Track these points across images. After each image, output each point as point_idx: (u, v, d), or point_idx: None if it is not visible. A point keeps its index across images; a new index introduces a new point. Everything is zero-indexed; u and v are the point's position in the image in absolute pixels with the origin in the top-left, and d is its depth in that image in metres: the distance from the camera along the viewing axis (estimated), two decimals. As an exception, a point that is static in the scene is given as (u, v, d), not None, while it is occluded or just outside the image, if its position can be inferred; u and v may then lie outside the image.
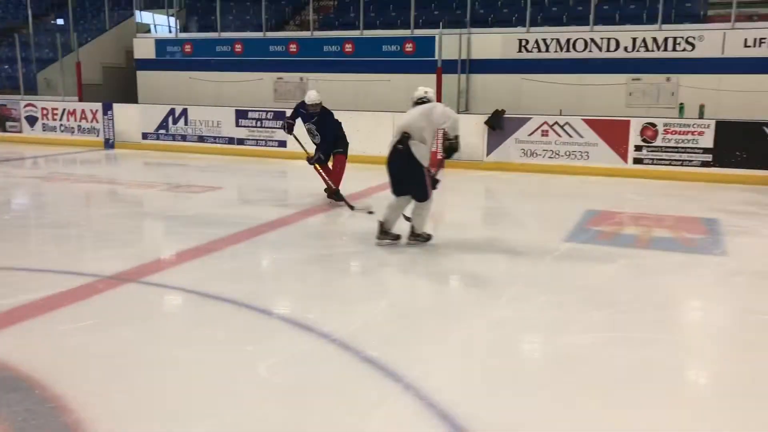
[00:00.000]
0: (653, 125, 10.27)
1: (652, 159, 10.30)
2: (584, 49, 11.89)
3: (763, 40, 10.82)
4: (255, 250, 6.08)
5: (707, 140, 9.97)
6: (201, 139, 13.46)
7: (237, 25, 16.06)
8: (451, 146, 5.88)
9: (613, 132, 10.45)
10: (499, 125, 11.13)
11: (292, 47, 14.32)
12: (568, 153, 10.71)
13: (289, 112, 12.72)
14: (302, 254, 5.91)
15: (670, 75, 11.40)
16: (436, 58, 12.11)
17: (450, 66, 12.40)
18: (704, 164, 10.03)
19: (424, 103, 5.98)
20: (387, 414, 3.05)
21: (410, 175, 5.87)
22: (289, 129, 8.31)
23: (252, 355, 3.68)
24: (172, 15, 16.73)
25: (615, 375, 3.49)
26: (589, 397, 3.25)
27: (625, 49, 11.66)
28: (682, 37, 11.30)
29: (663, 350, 3.84)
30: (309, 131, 8.23)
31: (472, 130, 11.27)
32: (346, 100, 13.03)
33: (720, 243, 6.34)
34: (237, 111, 13.19)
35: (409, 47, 13.18)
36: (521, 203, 6.74)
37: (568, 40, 12.00)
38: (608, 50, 11.72)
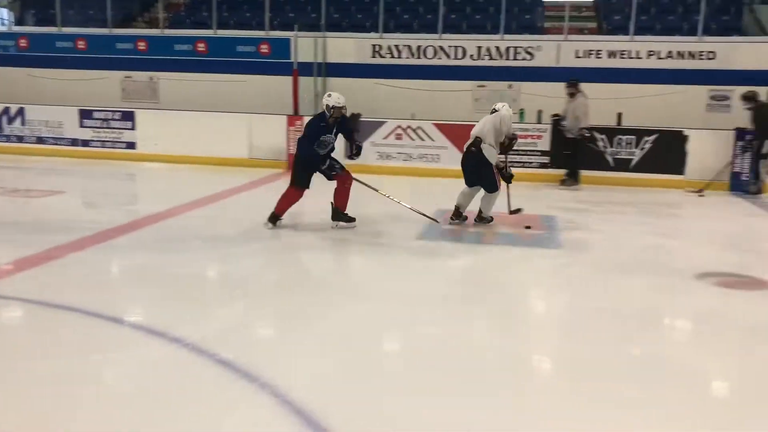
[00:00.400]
0: (497, 129, 10.91)
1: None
2: (434, 56, 12.41)
3: (590, 52, 11.85)
4: (102, 257, 5.80)
5: (544, 143, 10.77)
6: (40, 140, 12.58)
7: (79, 20, 15.11)
8: (509, 146, 7.29)
9: (461, 136, 10.67)
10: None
11: (141, 45, 13.72)
12: (420, 156, 11.15)
13: (139, 113, 12.39)
14: (154, 259, 5.72)
15: (512, 82, 12.18)
16: (292, 60, 12.13)
17: (306, 68, 12.46)
18: (542, 165, 10.82)
19: (495, 112, 7.21)
20: (242, 415, 3.07)
21: (481, 172, 7.07)
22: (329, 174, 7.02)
23: (99, 364, 3.55)
24: (5, 6, 15.49)
25: (465, 365, 3.71)
26: (440, 388, 3.42)
27: (471, 57, 12.30)
28: (522, 47, 12.10)
29: (507, 338, 4.14)
30: (325, 143, 6.98)
31: (328, 133, 11.40)
32: (200, 101, 12.71)
33: (556, 238, 6.90)
34: (81, 111, 12.45)
35: (264, 48, 13.07)
36: (361, 204, 6.95)
37: (419, 47, 12.46)
38: (456, 58, 12.32)
